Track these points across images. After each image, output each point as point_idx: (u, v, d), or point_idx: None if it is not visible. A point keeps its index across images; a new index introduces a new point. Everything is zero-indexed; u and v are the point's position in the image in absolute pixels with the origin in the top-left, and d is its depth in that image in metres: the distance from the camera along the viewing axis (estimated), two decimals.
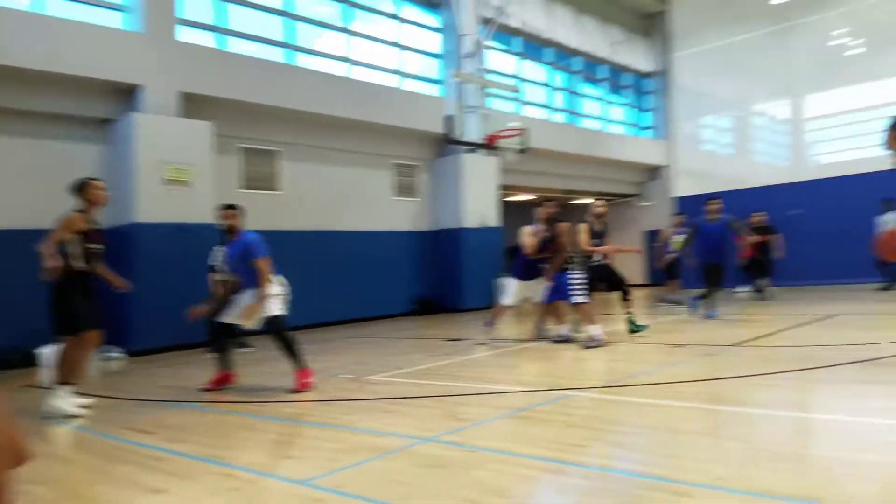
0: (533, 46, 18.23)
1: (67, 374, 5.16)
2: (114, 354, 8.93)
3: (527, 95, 17.64)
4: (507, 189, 17.52)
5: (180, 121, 10.50)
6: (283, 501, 3.05)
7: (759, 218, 12.86)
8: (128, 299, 9.45)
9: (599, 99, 20.52)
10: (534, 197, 20.00)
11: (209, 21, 11.77)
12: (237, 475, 3.44)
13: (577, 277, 7.84)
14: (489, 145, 12.65)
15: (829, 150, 20.00)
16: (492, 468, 3.28)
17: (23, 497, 2.95)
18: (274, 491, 3.20)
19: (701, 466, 3.10)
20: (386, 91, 13.93)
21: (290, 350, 5.79)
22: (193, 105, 10.91)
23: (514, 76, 17.28)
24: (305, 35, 13.30)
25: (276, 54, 12.67)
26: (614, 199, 21.89)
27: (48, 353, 5.50)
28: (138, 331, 9.69)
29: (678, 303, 11.46)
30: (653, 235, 21.26)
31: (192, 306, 6.71)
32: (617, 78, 21.12)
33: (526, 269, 8.42)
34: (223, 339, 6.19)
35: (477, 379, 6.08)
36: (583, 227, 8.33)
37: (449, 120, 11.75)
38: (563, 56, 19.16)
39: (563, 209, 13.02)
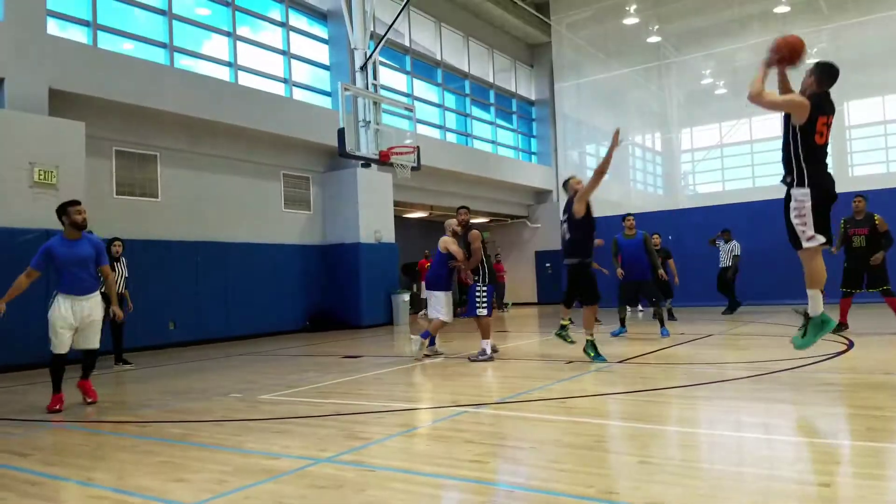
0: (424, 66, 18.54)
1: None
2: None
3: (420, 114, 17.86)
4: (401, 206, 17.59)
5: (48, 119, 9.70)
6: None
7: (655, 241, 13.55)
8: None
9: (490, 123, 21.16)
10: (427, 214, 20.23)
11: (85, 17, 11.01)
12: (120, 499, 3.18)
13: (482, 289, 7.95)
14: (383, 161, 12.63)
15: (700, 181, 21.79)
16: (390, 487, 3.21)
17: None
18: None
19: (595, 480, 3.19)
20: (274, 99, 13.61)
21: None
22: (64, 103, 10.12)
23: (406, 94, 17.45)
24: (189, 37, 12.76)
25: (156, 55, 12.05)
26: (505, 220, 22.59)
27: None
28: (2, 346, 8.81)
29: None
30: (541, 256, 22.23)
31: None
32: (505, 104, 21.89)
33: (449, 278, 8.41)
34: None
35: (374, 397, 5.98)
36: (449, 240, 8.45)
37: (341, 133, 11.62)
38: (453, 78, 19.62)
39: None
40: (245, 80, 13.51)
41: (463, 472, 3.44)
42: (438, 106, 18.99)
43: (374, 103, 12.64)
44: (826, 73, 4.98)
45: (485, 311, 7.91)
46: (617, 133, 6.72)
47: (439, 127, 18.88)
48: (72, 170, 9.83)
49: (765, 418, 4.50)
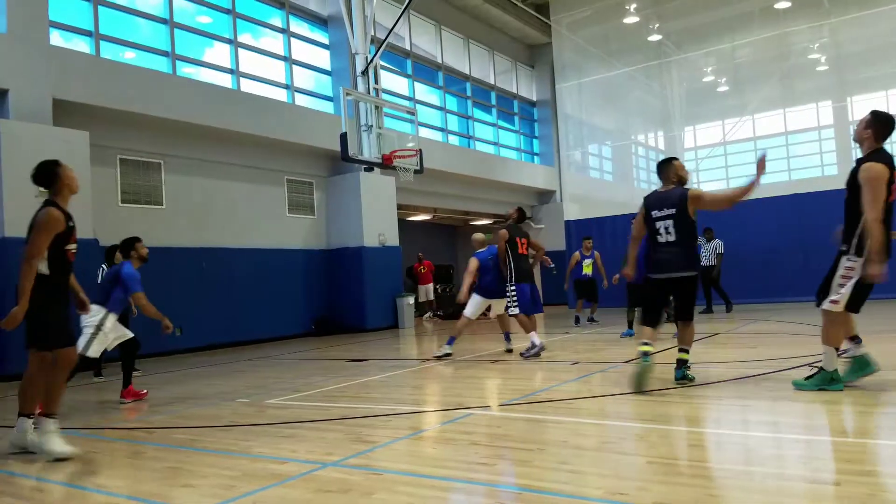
0: (425, 70, 18.57)
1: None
2: None
3: (421, 117, 17.89)
4: (404, 209, 17.61)
5: (53, 129, 9.77)
6: None
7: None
8: None
9: (492, 124, 21.17)
10: (430, 217, 20.24)
11: (87, 27, 11.08)
12: None
13: (511, 288, 8.12)
14: (385, 164, 12.66)
15: (704, 179, 21.74)
16: (397, 490, 3.21)
17: None
18: None
19: (602, 482, 3.18)
20: (276, 105, 13.66)
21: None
22: (68, 113, 10.18)
23: (408, 98, 17.49)
24: (190, 45, 12.83)
25: (159, 63, 12.11)
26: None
27: None
28: (11, 353, 8.88)
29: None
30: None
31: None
32: (507, 105, 21.90)
33: (497, 279, 8.41)
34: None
35: (380, 400, 5.99)
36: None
37: (343, 137, 11.66)
38: (454, 81, 19.65)
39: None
40: (247, 86, 13.56)
41: (470, 474, 3.44)
42: (440, 109, 19.01)
43: (376, 107, 12.68)
44: (884, 124, 4.76)
45: (516, 310, 8.07)
46: (763, 160, 5.31)
47: (441, 129, 18.90)
48: (77, 179, 9.86)
49: (773, 416, 4.48)
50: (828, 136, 19.45)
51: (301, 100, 14.81)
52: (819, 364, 5.03)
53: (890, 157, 4.68)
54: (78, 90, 10.27)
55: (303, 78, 15.03)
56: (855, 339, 5.43)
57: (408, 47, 17.71)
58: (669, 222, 5.53)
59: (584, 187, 21.47)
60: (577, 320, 12.52)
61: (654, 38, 19.54)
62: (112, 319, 6.33)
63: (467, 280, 8.57)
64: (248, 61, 13.73)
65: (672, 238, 5.51)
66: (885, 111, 4.90)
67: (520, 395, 5.70)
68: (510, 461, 3.72)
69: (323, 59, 15.57)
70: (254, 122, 12.89)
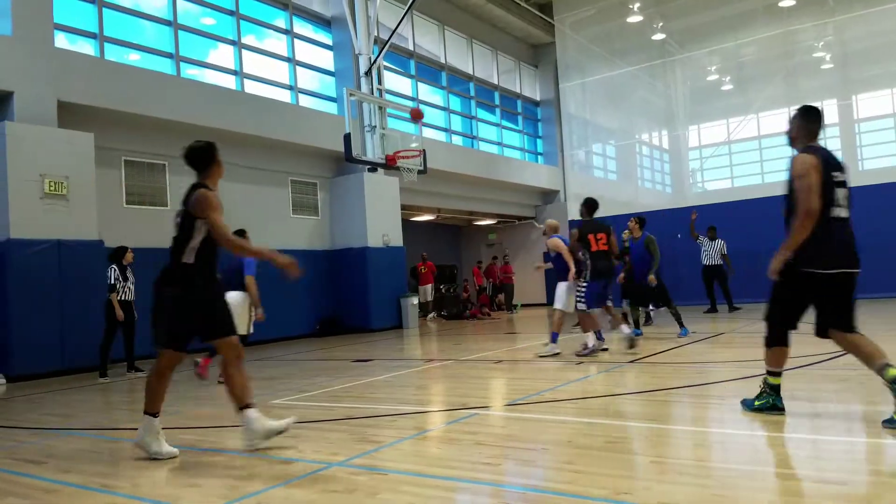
0: (429, 70, 18.58)
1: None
2: None
3: (425, 118, 17.89)
4: (408, 209, 17.62)
5: (58, 131, 9.82)
6: None
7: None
8: (4, 321, 8.77)
9: (495, 124, 21.16)
10: (434, 217, 20.24)
11: (92, 29, 11.13)
12: None
13: (581, 285, 7.90)
14: (389, 165, 12.68)
15: (709, 178, 21.68)
16: (402, 490, 3.21)
17: None
18: None
19: (606, 481, 3.17)
20: (280, 106, 13.68)
21: None
22: (72, 115, 10.22)
23: (411, 98, 17.49)
24: (194, 47, 12.86)
25: (163, 65, 12.15)
26: (513, 221, 22.57)
27: None
28: (17, 355, 8.93)
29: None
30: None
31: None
32: (510, 105, 21.88)
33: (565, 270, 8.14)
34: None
35: (385, 400, 5.99)
36: None
37: (347, 138, 11.67)
38: (458, 81, 19.64)
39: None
40: (251, 87, 13.59)
41: (475, 474, 3.43)
42: (443, 109, 19.01)
43: (380, 108, 12.70)
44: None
45: (583, 306, 7.83)
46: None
47: (445, 130, 18.90)
48: (82, 180, 9.92)
49: (779, 416, 4.47)
50: (833, 134, 19.38)
51: (305, 101, 14.84)
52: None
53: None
54: (82, 92, 10.31)
55: (306, 79, 15.06)
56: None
57: (411, 47, 17.72)
58: (846, 191, 4.10)
59: (588, 187, 21.43)
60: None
61: (658, 36, 19.50)
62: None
63: (570, 261, 7.95)
64: (251, 62, 13.76)
65: (846, 214, 4.08)
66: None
67: (524, 395, 5.70)
68: (515, 461, 3.71)
69: (326, 59, 15.59)
70: (257, 123, 12.92)
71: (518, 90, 22.05)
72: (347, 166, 14.44)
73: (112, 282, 8.54)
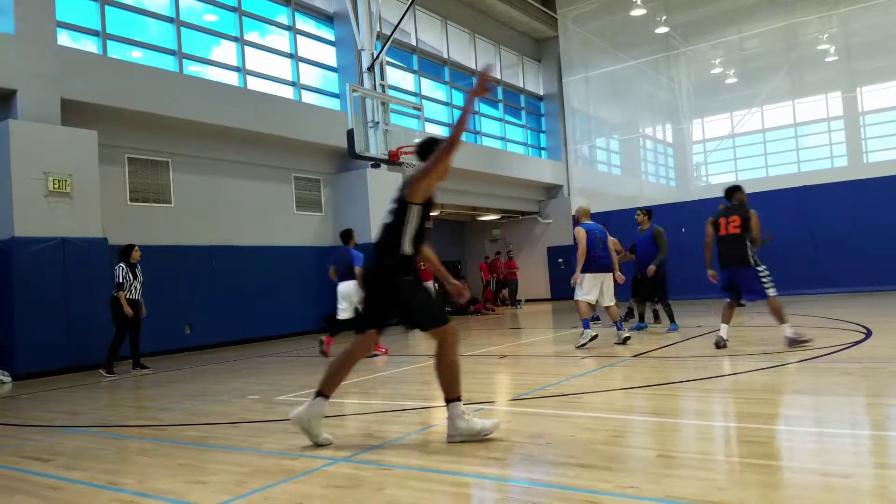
0: (431, 65, 18.54)
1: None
2: (1, 378, 8.23)
3: (428, 113, 17.87)
4: None
5: (61, 129, 9.83)
6: None
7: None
8: (9, 319, 8.81)
9: (498, 119, 21.12)
10: (437, 213, 20.23)
11: (94, 26, 11.14)
12: (140, 502, 3.22)
13: (763, 269, 7.08)
14: (392, 161, 12.66)
15: (713, 171, 21.63)
16: (408, 486, 3.21)
17: None
18: None
19: (612, 476, 3.17)
20: (283, 103, 13.68)
21: None
22: (76, 112, 10.24)
23: (414, 94, 17.47)
24: (197, 44, 12.86)
25: (166, 62, 12.16)
26: (517, 217, 22.55)
27: None
28: (22, 353, 8.96)
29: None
30: (553, 252, 22.16)
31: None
32: (513, 99, 21.84)
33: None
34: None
35: (390, 396, 6.00)
36: None
37: (350, 134, 11.66)
38: (461, 76, 19.60)
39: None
40: (254, 84, 13.59)
41: (480, 469, 3.44)
42: (446, 104, 18.99)
43: (383, 103, 12.67)
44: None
45: (773, 291, 6.96)
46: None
47: (448, 125, 18.88)
48: (86, 178, 9.94)
49: (783, 409, 4.46)
50: (837, 127, 19.29)
51: (308, 97, 14.83)
52: None
53: None
54: (86, 90, 10.33)
55: (309, 75, 15.05)
56: None
57: (414, 43, 17.70)
58: None
59: (591, 181, 21.41)
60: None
61: (661, 30, 19.43)
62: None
63: (580, 258, 7.92)
64: (254, 59, 13.76)
65: None
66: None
67: (529, 390, 5.70)
68: (519, 455, 3.71)
69: (329, 55, 15.58)
70: (261, 119, 12.92)
71: (521, 85, 22.00)
72: (351, 162, 14.44)
73: (120, 280, 8.57)
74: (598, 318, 8.21)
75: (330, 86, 15.50)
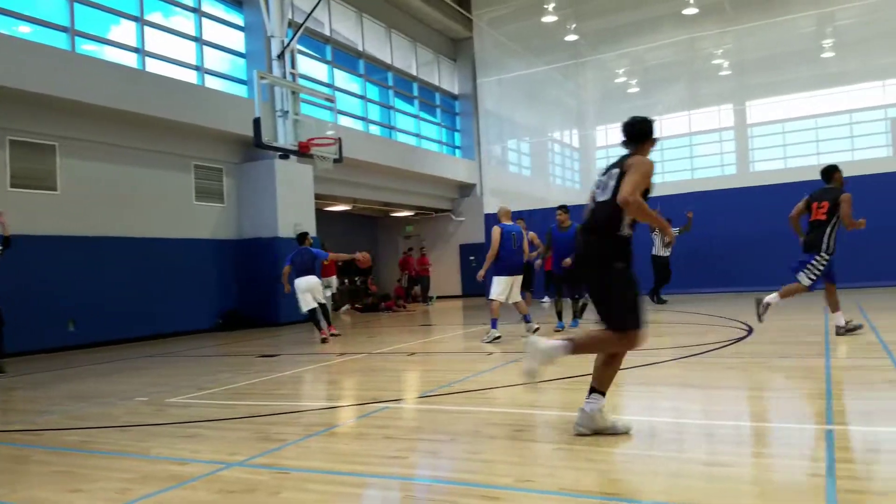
0: (346, 57, 18.25)
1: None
2: None
3: (341, 105, 17.57)
4: (322, 199, 17.24)
5: None
6: None
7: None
8: None
9: (413, 115, 21.08)
10: (350, 207, 19.94)
11: None
12: None
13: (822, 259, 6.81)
14: (302, 152, 12.31)
15: None
16: (306, 489, 3.11)
17: None
18: None
19: (510, 469, 3.22)
20: (184, 87, 13.04)
21: None
22: None
23: (327, 85, 17.13)
24: (93, 21, 12.02)
25: (57, 39, 11.29)
26: (430, 214, 22.60)
27: None
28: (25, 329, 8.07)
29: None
30: (465, 249, 22.39)
31: None
32: (429, 97, 21.86)
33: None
34: None
35: (292, 396, 5.82)
36: None
37: (257, 122, 11.24)
38: (376, 70, 19.41)
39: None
40: (154, 66, 12.86)
41: (383, 468, 3.39)
42: (361, 97, 18.73)
43: (293, 93, 12.30)
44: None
45: (806, 281, 6.81)
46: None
47: (362, 119, 18.64)
48: None
49: (674, 402, 4.68)
50: (728, 137, 20.57)
51: (212, 83, 14.20)
52: None
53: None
54: None
55: (215, 60, 14.41)
56: None
57: (327, 33, 17.32)
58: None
59: (503, 181, 21.77)
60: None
61: (571, 38, 19.99)
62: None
63: (489, 257, 8.34)
64: (155, 40, 13.01)
65: None
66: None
67: (435, 387, 5.69)
68: (423, 453, 3.69)
69: (237, 41, 14.98)
70: (159, 104, 12.24)
71: (437, 83, 22.05)
72: (257, 152, 13.95)
73: None
74: (538, 329, 8.47)
75: (238, 72, 14.91)
